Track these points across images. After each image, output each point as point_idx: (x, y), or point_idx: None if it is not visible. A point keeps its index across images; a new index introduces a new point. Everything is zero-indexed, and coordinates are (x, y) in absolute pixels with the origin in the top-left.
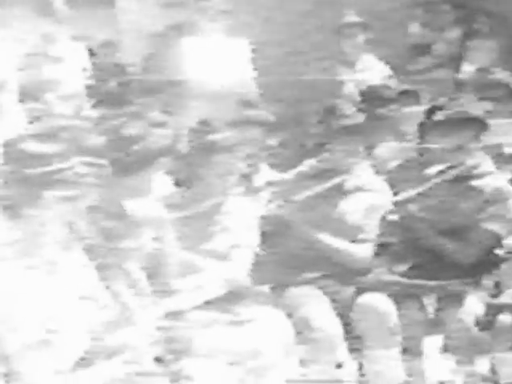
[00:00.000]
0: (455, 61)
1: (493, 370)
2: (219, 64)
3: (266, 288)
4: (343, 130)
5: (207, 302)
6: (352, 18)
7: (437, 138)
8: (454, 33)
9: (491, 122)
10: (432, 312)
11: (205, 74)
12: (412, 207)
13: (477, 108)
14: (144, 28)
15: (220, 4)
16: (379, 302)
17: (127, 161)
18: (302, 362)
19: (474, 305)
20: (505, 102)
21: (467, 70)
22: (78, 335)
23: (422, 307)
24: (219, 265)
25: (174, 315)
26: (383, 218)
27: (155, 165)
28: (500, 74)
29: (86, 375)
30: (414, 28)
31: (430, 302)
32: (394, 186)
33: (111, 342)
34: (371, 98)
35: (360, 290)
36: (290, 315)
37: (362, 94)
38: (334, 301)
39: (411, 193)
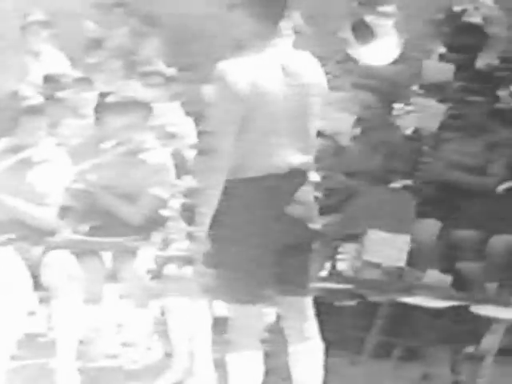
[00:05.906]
0: (126, 53)
1: (163, 313)
2: None
3: None
4: (27, 110)
5: None
6: (37, 16)
7: (110, 118)
8: (122, 30)
9: (155, 105)
10: (110, 264)
11: None
12: (90, 176)
13: (142, 93)
14: None
15: None
16: (63, 258)
17: None
18: None
19: (145, 257)
20: (164, 89)
21: (136, 59)
22: None
23: (101, 261)
24: None
25: None
26: (66, 186)
27: None
28: (158, 66)
29: None
30: (89, 25)
31: (107, 257)
32: (75, 158)
33: None
34: (51, 83)
35: (48, 249)
36: None
37: (44, 80)
38: (25, 259)
39: (89, 164)
